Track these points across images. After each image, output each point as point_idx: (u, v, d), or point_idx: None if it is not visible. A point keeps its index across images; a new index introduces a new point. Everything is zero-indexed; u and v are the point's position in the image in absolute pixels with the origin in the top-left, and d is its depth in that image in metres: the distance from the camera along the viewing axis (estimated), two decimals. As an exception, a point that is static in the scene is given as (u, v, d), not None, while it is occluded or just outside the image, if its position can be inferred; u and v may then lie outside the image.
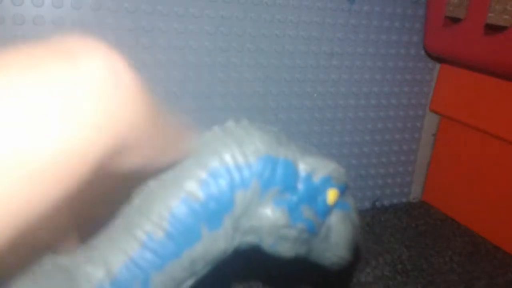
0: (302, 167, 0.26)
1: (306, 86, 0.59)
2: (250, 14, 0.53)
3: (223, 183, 0.23)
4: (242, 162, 0.23)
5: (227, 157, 0.23)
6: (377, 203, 0.70)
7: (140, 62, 0.50)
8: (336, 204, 0.28)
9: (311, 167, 0.26)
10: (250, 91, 0.57)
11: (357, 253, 0.30)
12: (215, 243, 0.23)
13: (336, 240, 0.29)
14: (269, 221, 0.24)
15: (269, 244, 0.25)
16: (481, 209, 0.64)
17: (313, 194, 0.26)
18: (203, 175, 0.23)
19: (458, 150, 0.67)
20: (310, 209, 0.26)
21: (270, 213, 0.24)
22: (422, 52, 0.65)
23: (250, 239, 0.25)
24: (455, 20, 0.56)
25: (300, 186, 0.26)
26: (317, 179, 0.26)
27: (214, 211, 0.23)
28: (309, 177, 0.26)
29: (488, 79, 0.60)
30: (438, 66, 0.67)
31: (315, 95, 0.60)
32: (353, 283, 0.51)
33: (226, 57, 0.54)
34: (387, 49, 0.63)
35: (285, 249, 0.26)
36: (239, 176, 0.23)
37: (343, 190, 0.28)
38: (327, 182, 0.27)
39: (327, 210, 0.27)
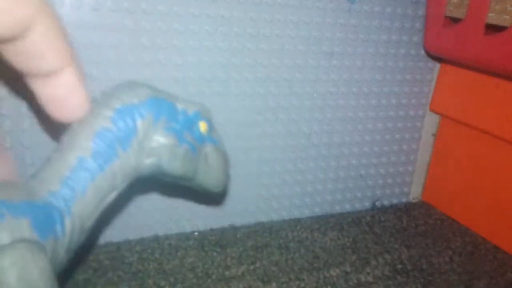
0: (179, 105, 0.37)
1: (306, 86, 0.59)
2: (250, 14, 0.53)
3: (127, 117, 0.33)
4: (138, 102, 0.34)
5: (126, 99, 0.34)
6: (377, 203, 0.71)
7: (140, 62, 0.50)
8: (208, 138, 0.40)
9: (185, 105, 0.38)
10: (250, 91, 0.57)
11: (228, 180, 0.45)
12: (128, 159, 0.33)
13: (213, 164, 0.40)
14: (163, 141, 0.35)
15: (165, 161, 0.35)
16: (481, 209, 0.64)
17: (190, 124, 0.38)
18: (111, 113, 0.33)
19: (458, 150, 0.67)
20: (190, 135, 0.37)
21: (163, 136, 0.35)
22: (422, 52, 0.65)
23: (152, 160, 0.35)
24: (455, 20, 0.56)
25: (180, 117, 0.37)
26: (190, 113, 0.38)
27: (124, 136, 0.33)
28: (184, 111, 0.37)
29: (488, 79, 0.60)
30: (438, 66, 0.67)
31: (315, 95, 0.60)
32: (353, 283, 0.51)
33: (226, 57, 0.54)
34: (387, 49, 0.63)
35: (178, 165, 0.36)
36: (137, 111, 0.34)
37: (210, 124, 0.40)
38: (197, 115, 0.38)
39: (202, 138, 0.39)
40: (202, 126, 0.39)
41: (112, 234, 0.56)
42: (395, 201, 0.72)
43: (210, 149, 0.40)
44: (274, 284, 0.50)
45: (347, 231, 0.62)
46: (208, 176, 0.40)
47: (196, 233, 0.59)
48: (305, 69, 0.59)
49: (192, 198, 0.58)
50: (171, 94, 0.38)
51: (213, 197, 0.48)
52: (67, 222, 0.30)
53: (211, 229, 0.60)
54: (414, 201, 0.73)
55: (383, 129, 0.67)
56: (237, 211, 0.61)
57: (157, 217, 0.57)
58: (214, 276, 0.51)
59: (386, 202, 0.71)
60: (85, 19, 0.47)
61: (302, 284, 0.50)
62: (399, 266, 0.55)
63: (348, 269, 0.54)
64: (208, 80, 0.54)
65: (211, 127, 0.40)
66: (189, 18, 0.51)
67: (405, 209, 0.70)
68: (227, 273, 0.51)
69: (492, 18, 0.51)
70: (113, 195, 0.34)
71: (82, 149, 0.31)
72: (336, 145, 0.64)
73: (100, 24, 0.47)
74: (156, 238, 0.57)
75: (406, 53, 0.64)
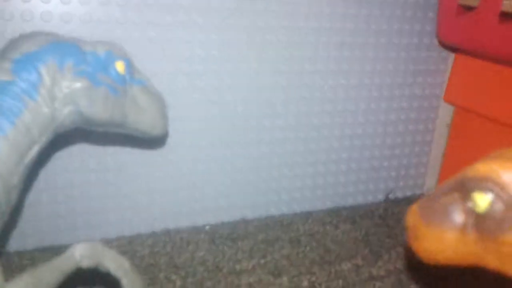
0: (86, 47, 0.36)
1: (316, 77, 0.59)
2: (259, 6, 0.53)
3: (28, 66, 0.33)
4: (35, 49, 0.34)
5: (24, 48, 0.33)
6: (390, 195, 0.70)
7: (148, 56, 0.50)
8: (132, 79, 0.38)
9: (93, 46, 0.36)
10: (260, 83, 0.56)
11: (166, 120, 0.42)
12: (40, 109, 0.33)
13: (143, 105, 0.39)
14: (74, 86, 0.34)
15: (85, 106, 0.35)
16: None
17: (104, 65, 0.36)
18: (11, 66, 0.33)
19: (473, 141, 0.66)
20: (106, 77, 0.36)
21: (73, 80, 0.34)
22: (435, 42, 0.64)
23: (70, 108, 0.35)
24: (469, 8, 0.55)
25: (90, 59, 0.36)
26: (100, 53, 0.36)
27: (29, 85, 0.33)
28: (93, 52, 0.36)
29: (503, 69, 0.58)
30: (452, 55, 0.66)
31: (326, 87, 0.60)
32: (365, 276, 0.51)
33: (235, 50, 0.54)
34: (400, 39, 0.61)
35: (100, 109, 0.36)
36: (36, 57, 0.33)
37: (128, 63, 0.38)
38: (110, 55, 0.37)
39: (122, 79, 0.37)
40: (119, 66, 0.37)
41: (123, 228, 0.56)
42: (409, 193, 0.71)
43: (137, 90, 0.39)
44: (284, 278, 0.50)
45: (359, 224, 0.62)
46: (141, 118, 0.39)
47: (207, 227, 0.59)
48: (315, 61, 0.58)
49: (203, 192, 0.58)
50: (76, 38, 0.37)
51: (155, 141, 0.48)
52: None
53: (222, 223, 0.60)
54: (428, 193, 0.72)
55: (396, 121, 0.66)
56: (248, 205, 0.61)
57: (168, 211, 0.57)
58: (225, 270, 0.51)
59: (399, 194, 0.71)
60: (93, 13, 0.47)
61: (313, 278, 0.50)
62: (411, 260, 0.54)
63: (360, 262, 0.53)
64: (217, 73, 0.54)
65: (130, 67, 0.39)
66: (196, 11, 0.50)
67: (419, 201, 0.69)
68: (237, 266, 0.51)
69: (507, 5, 0.49)
70: (35, 149, 0.33)
71: None
72: (348, 137, 0.63)
73: (107, 18, 0.47)
74: (167, 232, 0.57)
75: (419, 43, 0.63)
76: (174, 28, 0.50)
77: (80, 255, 0.33)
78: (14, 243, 0.51)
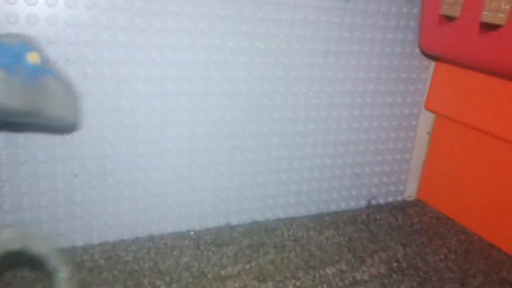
0: (5, 40, 0.38)
1: (301, 84, 0.59)
2: (245, 13, 0.53)
3: None
4: None
5: None
6: (373, 202, 0.71)
7: (135, 61, 0.50)
8: (45, 70, 0.41)
9: (7, 38, 0.39)
10: (245, 89, 0.56)
11: (78, 110, 0.44)
12: None
13: (55, 94, 0.41)
14: None
15: (2, 96, 0.36)
16: (476, 207, 0.64)
17: (18, 56, 0.39)
18: None
19: (453, 148, 0.67)
20: (21, 67, 0.38)
21: None
22: (417, 51, 0.65)
23: None
24: (450, 19, 0.56)
25: (6, 51, 0.38)
26: (15, 45, 0.38)
27: None
28: (9, 45, 0.38)
29: (483, 78, 0.60)
30: (433, 64, 0.67)
31: (310, 93, 0.60)
32: (349, 281, 0.51)
33: (221, 56, 0.54)
34: (382, 48, 0.63)
35: (16, 98, 0.37)
36: None
37: (42, 54, 0.40)
38: (24, 47, 0.39)
39: (35, 69, 0.40)
40: (32, 57, 0.39)
41: (107, 234, 0.55)
42: (390, 199, 0.72)
43: (50, 79, 0.41)
44: (270, 283, 0.50)
45: (343, 230, 0.62)
46: (53, 107, 0.41)
47: (191, 232, 0.59)
48: (300, 68, 0.58)
49: (188, 197, 0.58)
50: None
51: (66, 130, 0.51)
52: None
53: (207, 228, 0.60)
54: (409, 199, 0.74)
55: (378, 128, 0.67)
56: (232, 210, 0.61)
57: (152, 216, 0.57)
58: (209, 275, 0.51)
59: (381, 201, 0.72)
60: (80, 17, 0.47)
61: (298, 283, 0.50)
62: (394, 264, 0.55)
63: (344, 267, 0.54)
64: (203, 79, 0.54)
65: (44, 59, 0.41)
66: (184, 16, 0.51)
67: (401, 207, 0.70)
68: (222, 272, 0.51)
69: (487, 16, 0.51)
70: None
71: None
72: (332, 144, 0.64)
73: (94, 22, 0.47)
74: (151, 238, 0.57)
75: (401, 52, 0.64)
76: (162, 33, 0.50)
77: (7, 238, 0.35)
78: (-5, 249, 0.50)
